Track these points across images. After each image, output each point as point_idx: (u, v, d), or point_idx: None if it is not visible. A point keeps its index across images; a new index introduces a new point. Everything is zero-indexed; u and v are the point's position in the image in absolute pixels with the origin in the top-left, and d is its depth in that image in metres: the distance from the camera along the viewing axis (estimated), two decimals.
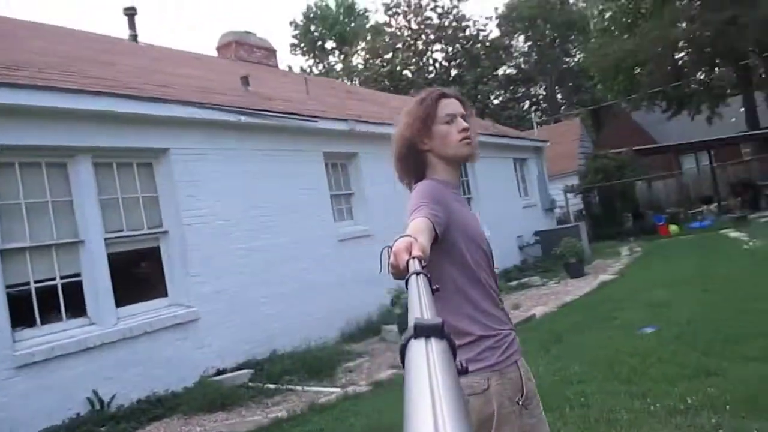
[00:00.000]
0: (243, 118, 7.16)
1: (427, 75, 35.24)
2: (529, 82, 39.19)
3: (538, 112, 37.70)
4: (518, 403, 1.78)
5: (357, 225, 9.29)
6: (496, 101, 36.20)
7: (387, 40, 36.38)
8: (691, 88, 23.95)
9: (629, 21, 23.60)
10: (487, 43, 35.77)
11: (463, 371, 0.73)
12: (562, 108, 34.26)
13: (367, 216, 9.38)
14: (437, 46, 36.15)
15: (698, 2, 19.52)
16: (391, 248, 1.41)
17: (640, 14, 23.12)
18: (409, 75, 36.15)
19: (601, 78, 24.52)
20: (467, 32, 35.30)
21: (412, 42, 36.18)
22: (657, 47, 19.99)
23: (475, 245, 1.85)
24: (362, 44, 38.72)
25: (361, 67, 38.09)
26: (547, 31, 36.47)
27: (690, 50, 20.78)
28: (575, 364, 5.04)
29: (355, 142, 9.33)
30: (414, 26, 36.14)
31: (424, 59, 36.40)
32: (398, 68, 36.16)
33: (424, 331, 0.65)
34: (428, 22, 35.63)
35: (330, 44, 41.86)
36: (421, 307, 0.77)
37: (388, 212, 9.73)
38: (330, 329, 8.06)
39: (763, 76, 23.59)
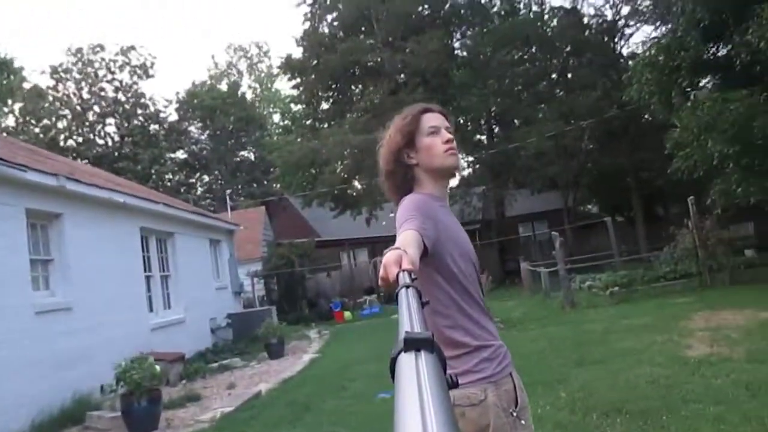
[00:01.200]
0: None
1: (97, 148, 32.70)
2: (204, 169, 39.35)
3: (210, 199, 37.97)
4: (513, 414, 1.81)
5: (56, 297, 8.01)
6: (169, 184, 35.21)
7: (51, 104, 32.95)
8: (356, 191, 27.03)
9: (309, 123, 25.91)
10: (166, 125, 35.10)
11: (453, 385, 0.74)
12: (241, 198, 35.07)
13: (67, 287, 8.18)
14: (111, 120, 34.03)
15: (370, 116, 22.55)
16: (381, 261, 1.44)
17: (319, 120, 25.62)
18: (75, 145, 33.09)
19: (284, 172, 26.04)
20: (146, 111, 34.16)
21: (81, 111, 33.42)
22: (336, 151, 22.30)
23: (465, 258, 1.90)
24: (17, 104, 34.31)
25: (12, 129, 33.52)
26: (226, 123, 37.47)
27: (360, 157, 23.59)
28: (341, 428, 5.14)
29: (62, 201, 8.21)
30: (86, 95, 33.58)
31: (96, 131, 33.83)
32: (62, 136, 32.89)
33: (414, 344, 0.65)
34: (103, 93, 33.51)
35: None
36: (411, 320, 0.77)
37: (94, 285, 8.71)
38: (18, 419, 6.64)
39: None
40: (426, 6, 25.70)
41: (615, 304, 11.38)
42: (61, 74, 33.18)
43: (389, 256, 1.36)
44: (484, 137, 26.64)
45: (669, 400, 4.75)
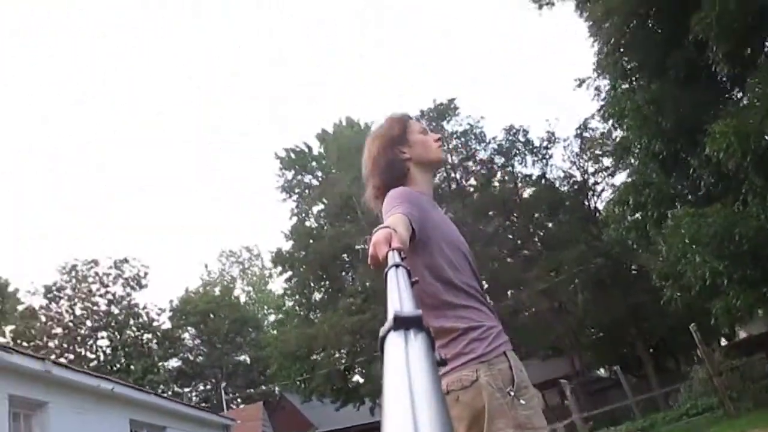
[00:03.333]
0: None
1: (88, 363, 31.95)
2: (198, 377, 38.30)
3: (206, 406, 36.32)
4: (510, 394, 1.70)
5: None
6: (164, 395, 33.91)
7: (44, 324, 32.82)
8: (353, 383, 26.17)
9: (303, 314, 25.83)
10: (159, 334, 34.77)
11: (441, 362, 0.76)
12: (238, 401, 33.76)
13: None
14: (103, 333, 33.69)
15: (363, 297, 22.62)
16: (370, 239, 1.44)
17: (313, 307, 25.61)
18: (66, 362, 32.32)
19: (280, 364, 25.40)
20: (139, 320, 34.02)
21: (73, 327, 33.20)
22: (332, 335, 22.04)
23: (452, 247, 1.90)
24: (10, 327, 34.14)
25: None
26: (220, 327, 37.25)
27: (357, 339, 23.18)
28: None
29: (47, 388, 7.89)
30: (78, 311, 33.59)
31: (87, 345, 33.34)
32: (52, 356, 32.28)
33: (403, 323, 0.65)
34: (95, 308, 33.58)
35: None
36: (400, 299, 0.77)
37: None
38: None
39: None
40: None
41: None
42: (55, 293, 33.45)
43: (379, 234, 1.35)
44: None
45: None
